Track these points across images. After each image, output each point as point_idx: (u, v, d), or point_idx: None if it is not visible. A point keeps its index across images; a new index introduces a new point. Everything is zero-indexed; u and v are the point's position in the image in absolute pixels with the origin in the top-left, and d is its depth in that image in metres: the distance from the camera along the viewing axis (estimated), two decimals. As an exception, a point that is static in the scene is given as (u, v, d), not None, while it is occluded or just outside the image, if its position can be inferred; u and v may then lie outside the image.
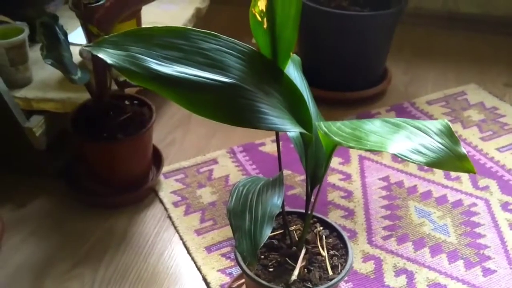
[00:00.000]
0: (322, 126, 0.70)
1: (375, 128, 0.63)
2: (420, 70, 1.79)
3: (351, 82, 1.61)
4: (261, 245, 0.65)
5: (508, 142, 1.46)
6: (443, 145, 0.58)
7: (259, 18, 0.70)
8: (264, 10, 0.69)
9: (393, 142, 0.59)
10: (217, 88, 0.69)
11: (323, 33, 1.55)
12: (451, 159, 0.56)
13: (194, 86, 0.68)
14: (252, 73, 0.72)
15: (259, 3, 0.69)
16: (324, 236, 0.93)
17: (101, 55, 0.65)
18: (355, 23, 1.50)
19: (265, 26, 0.71)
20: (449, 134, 0.58)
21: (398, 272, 1.10)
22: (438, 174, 1.35)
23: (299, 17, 0.71)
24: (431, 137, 0.59)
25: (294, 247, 0.90)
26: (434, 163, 0.56)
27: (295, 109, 0.75)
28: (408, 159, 0.56)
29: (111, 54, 0.65)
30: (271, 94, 0.73)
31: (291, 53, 0.74)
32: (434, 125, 0.60)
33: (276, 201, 0.70)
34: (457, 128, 1.52)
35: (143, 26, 1.39)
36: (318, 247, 0.91)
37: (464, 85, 1.71)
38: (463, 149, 0.57)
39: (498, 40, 1.94)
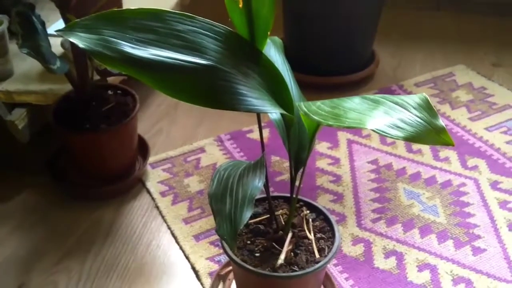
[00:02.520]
0: (302, 106, 0.68)
1: (354, 105, 0.62)
2: (408, 53, 1.78)
3: (338, 67, 1.60)
4: (241, 228, 0.64)
5: (497, 122, 1.45)
6: (421, 118, 0.56)
7: (234, -3, 0.69)
8: (239, -12, 0.68)
9: (372, 118, 0.58)
10: (194, 71, 0.67)
11: (309, 18, 1.53)
12: (430, 133, 0.55)
13: (170, 69, 0.66)
14: (230, 54, 0.70)
15: (233, -19, 0.67)
16: (310, 220, 0.92)
17: (72, 39, 0.64)
18: (339, 6, 1.49)
19: (240, 5, 0.69)
20: (427, 108, 0.57)
21: (388, 254, 1.09)
22: (427, 155, 1.34)
23: (275, -5, 0.70)
24: (409, 111, 0.57)
25: (281, 232, 0.89)
26: (412, 137, 0.55)
27: (275, 90, 0.73)
28: (387, 135, 0.55)
29: (83, 38, 0.64)
30: (249, 75, 0.71)
31: (268, 33, 0.73)
32: (413, 99, 0.59)
33: (257, 183, 0.69)
34: (445, 109, 1.51)
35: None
36: (304, 231, 0.90)
37: (452, 66, 1.70)
38: (442, 121, 0.56)
39: (485, 21, 1.93)
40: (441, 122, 0.55)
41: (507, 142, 1.38)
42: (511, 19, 1.93)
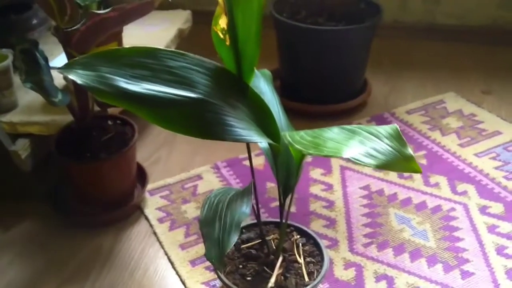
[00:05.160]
0: (287, 136, 0.73)
1: (332, 135, 0.66)
2: (400, 81, 1.83)
3: (331, 95, 1.65)
4: (228, 251, 0.68)
5: (486, 148, 1.49)
6: (392, 147, 0.61)
7: (221, 36, 0.74)
8: (226, 28, 0.73)
9: (347, 148, 0.62)
10: (185, 104, 0.72)
11: (301, 48, 1.59)
12: (399, 161, 0.59)
13: (162, 103, 0.71)
14: (219, 88, 0.75)
15: (220, 21, 0.72)
16: (300, 244, 0.96)
17: (71, 76, 0.69)
18: (331, 37, 1.55)
19: (227, 43, 0.74)
20: (397, 137, 0.61)
21: (379, 278, 1.12)
22: (418, 181, 1.38)
23: (260, 33, 0.75)
24: (382, 141, 0.62)
25: (272, 256, 0.93)
26: (384, 165, 0.59)
27: (262, 120, 0.78)
28: (361, 162, 0.59)
29: (81, 75, 0.68)
30: (237, 107, 0.76)
31: (254, 68, 0.78)
32: (385, 130, 0.63)
33: (244, 209, 0.73)
34: (436, 135, 1.55)
35: (125, 48, 1.43)
36: (295, 255, 0.94)
37: (442, 94, 1.75)
38: (410, 150, 0.60)
39: (475, 49, 1.99)
40: (410, 151, 0.59)
41: (496, 168, 1.41)
42: (501, 47, 1.99)
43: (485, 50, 1.98)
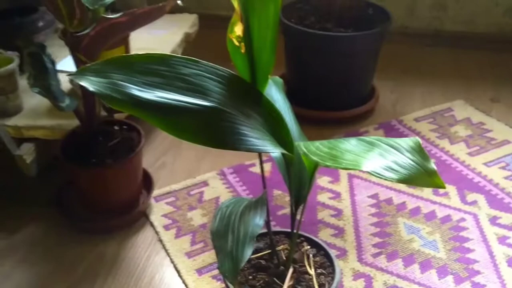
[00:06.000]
0: (301, 146, 0.71)
1: (350, 147, 0.65)
2: (408, 88, 1.82)
3: (338, 102, 1.64)
4: (242, 265, 0.66)
5: (495, 157, 1.47)
6: (414, 161, 0.59)
7: (237, 43, 0.73)
8: (241, 35, 0.71)
9: (367, 160, 0.60)
10: (198, 112, 0.70)
11: (310, 54, 1.58)
12: (422, 175, 0.58)
13: (175, 111, 0.69)
14: (232, 96, 0.74)
15: (236, 29, 0.71)
16: (311, 255, 0.94)
17: (83, 83, 0.67)
18: (340, 43, 1.53)
19: (242, 50, 0.73)
20: (419, 151, 0.60)
21: (388, 289, 1.10)
22: (427, 190, 1.36)
23: (276, 41, 0.74)
24: (403, 154, 0.60)
25: (282, 267, 0.91)
26: (405, 180, 0.58)
27: (276, 130, 0.76)
28: (381, 176, 0.58)
29: (93, 82, 0.67)
30: (251, 116, 0.74)
31: (269, 76, 0.76)
32: (406, 143, 0.62)
33: (258, 221, 0.71)
34: (444, 144, 1.54)
35: (132, 52, 1.42)
36: (305, 266, 0.92)
37: (450, 101, 1.73)
38: (433, 165, 0.58)
39: (483, 56, 1.98)
40: (433, 165, 0.58)
41: (506, 177, 1.40)
42: (509, 54, 1.98)
43: (493, 57, 1.97)
